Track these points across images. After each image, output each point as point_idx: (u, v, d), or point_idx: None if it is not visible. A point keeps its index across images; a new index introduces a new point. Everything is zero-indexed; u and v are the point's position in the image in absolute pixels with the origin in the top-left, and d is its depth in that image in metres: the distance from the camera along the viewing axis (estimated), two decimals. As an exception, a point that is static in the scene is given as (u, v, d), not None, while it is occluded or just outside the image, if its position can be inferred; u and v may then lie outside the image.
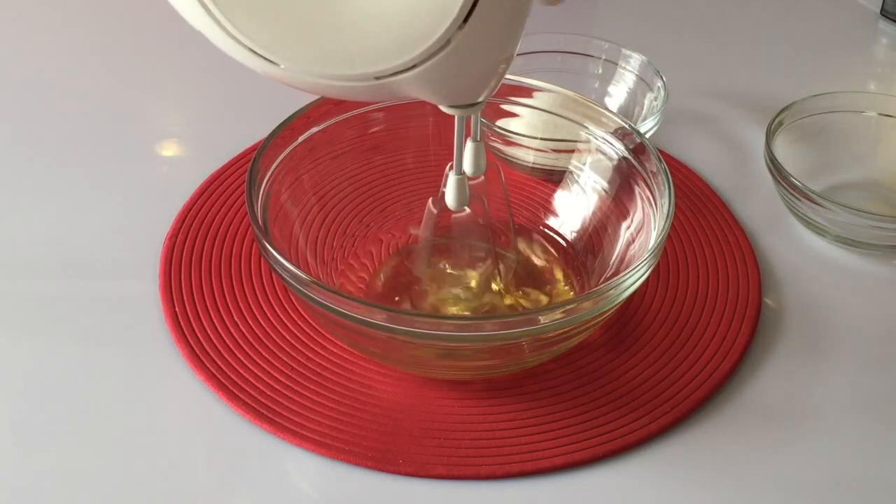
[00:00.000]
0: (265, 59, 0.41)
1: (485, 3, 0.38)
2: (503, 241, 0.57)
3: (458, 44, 0.39)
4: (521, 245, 0.59)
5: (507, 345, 0.45)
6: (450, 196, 0.50)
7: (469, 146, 0.49)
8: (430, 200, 0.54)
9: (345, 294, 0.44)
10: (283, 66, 0.41)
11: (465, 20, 0.38)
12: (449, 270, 0.56)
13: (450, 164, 0.50)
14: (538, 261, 0.58)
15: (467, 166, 0.49)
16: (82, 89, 0.73)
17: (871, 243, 0.61)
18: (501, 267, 0.56)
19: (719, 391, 0.51)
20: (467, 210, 0.52)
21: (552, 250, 0.58)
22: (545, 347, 0.47)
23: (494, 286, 0.55)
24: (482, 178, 0.51)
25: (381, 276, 0.56)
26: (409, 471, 0.46)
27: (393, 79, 0.40)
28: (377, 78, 0.41)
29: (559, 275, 0.57)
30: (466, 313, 0.54)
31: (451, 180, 0.50)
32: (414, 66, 0.40)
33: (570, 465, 0.47)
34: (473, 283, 0.55)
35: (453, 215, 0.53)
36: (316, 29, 0.40)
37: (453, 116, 0.46)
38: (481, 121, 0.49)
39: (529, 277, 0.57)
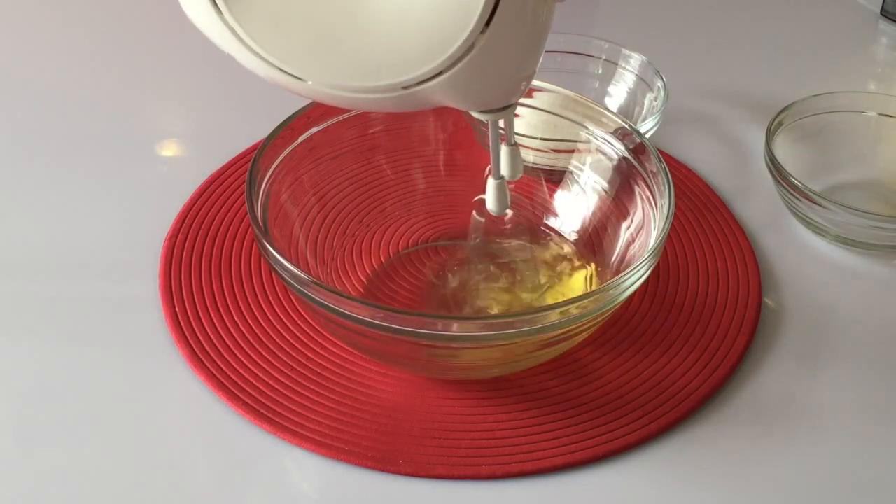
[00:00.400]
0: (293, 76, 0.41)
1: (506, 6, 0.38)
2: (541, 243, 0.56)
3: (483, 48, 0.39)
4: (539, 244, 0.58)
5: (506, 345, 0.45)
6: (490, 201, 0.50)
7: (504, 150, 0.48)
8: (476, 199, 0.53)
9: (345, 294, 0.44)
10: (310, 82, 0.41)
11: (488, 24, 0.38)
12: (481, 276, 0.55)
13: (488, 167, 0.49)
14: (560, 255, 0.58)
15: (504, 170, 0.49)
16: (82, 89, 0.73)
17: (871, 243, 0.61)
18: (536, 268, 0.55)
19: (719, 391, 0.51)
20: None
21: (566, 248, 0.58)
22: (545, 347, 0.47)
23: (525, 292, 0.55)
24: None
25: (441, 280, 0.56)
26: (409, 471, 0.46)
27: (420, 87, 0.40)
28: (404, 88, 0.40)
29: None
30: (468, 313, 0.54)
31: (491, 185, 0.49)
32: (440, 73, 0.40)
33: (570, 465, 0.47)
34: (505, 287, 0.55)
35: (474, 216, 0.52)
36: (341, 42, 0.40)
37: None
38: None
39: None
